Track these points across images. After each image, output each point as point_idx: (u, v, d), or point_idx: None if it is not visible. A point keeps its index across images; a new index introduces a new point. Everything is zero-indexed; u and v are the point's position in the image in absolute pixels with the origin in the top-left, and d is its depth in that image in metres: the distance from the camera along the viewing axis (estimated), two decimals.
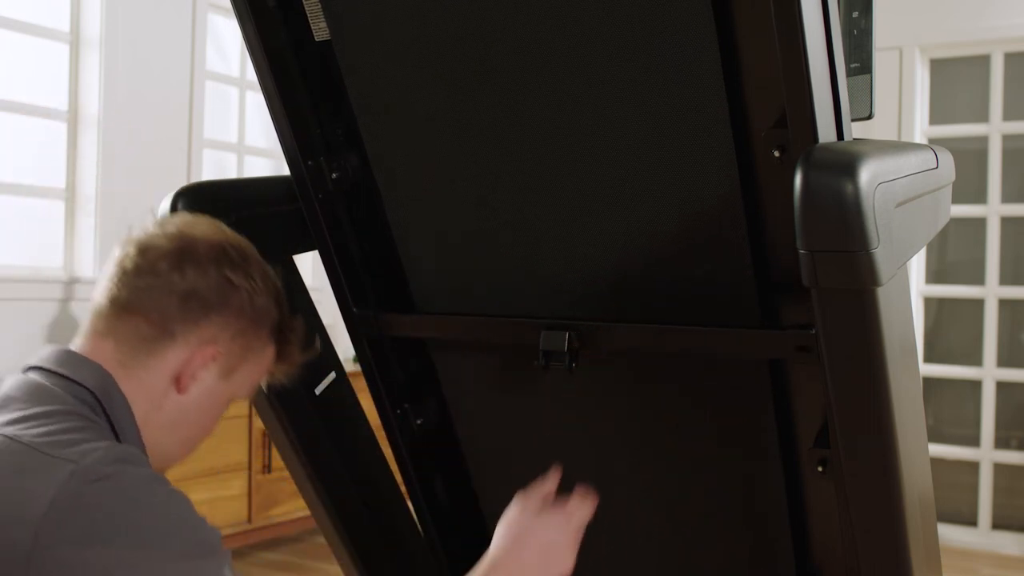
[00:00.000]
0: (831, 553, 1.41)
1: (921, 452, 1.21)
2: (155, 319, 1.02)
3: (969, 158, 4.31)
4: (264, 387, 1.27)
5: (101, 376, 1.00)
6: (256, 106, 4.25)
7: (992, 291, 4.29)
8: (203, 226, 1.09)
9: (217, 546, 0.92)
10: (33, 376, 1.00)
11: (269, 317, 1.11)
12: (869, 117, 1.21)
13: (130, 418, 1.01)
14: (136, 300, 1.03)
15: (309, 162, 1.36)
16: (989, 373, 4.28)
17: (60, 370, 1.00)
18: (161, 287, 1.03)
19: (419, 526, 1.61)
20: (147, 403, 1.03)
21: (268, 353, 1.14)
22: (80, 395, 0.98)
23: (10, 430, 0.92)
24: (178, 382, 1.05)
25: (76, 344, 1.05)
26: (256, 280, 1.08)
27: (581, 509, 1.22)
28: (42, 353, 1.03)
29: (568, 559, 1.18)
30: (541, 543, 1.17)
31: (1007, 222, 4.28)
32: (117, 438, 0.99)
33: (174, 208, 1.30)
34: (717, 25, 1.08)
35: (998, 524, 4.28)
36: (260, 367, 1.13)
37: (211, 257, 1.05)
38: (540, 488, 1.24)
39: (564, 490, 1.25)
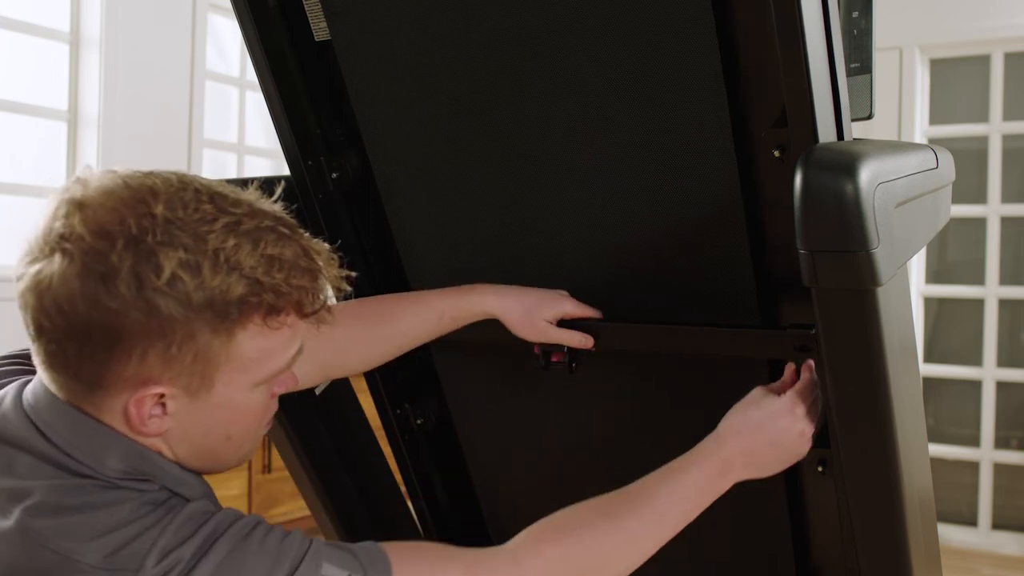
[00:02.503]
0: (831, 553, 1.41)
1: (921, 452, 1.21)
2: None
3: (969, 158, 4.31)
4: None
5: None
6: (256, 106, 4.24)
7: (992, 291, 4.29)
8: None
9: None
10: None
11: (198, 313, 0.83)
12: (869, 117, 1.20)
13: None
14: None
15: (309, 162, 1.36)
16: (989, 373, 4.28)
17: None
18: None
19: (419, 526, 1.61)
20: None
21: (250, 334, 0.86)
22: None
23: None
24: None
25: None
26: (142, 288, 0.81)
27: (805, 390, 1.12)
28: None
29: (801, 446, 1.10)
30: (767, 433, 1.09)
31: (1007, 222, 4.28)
32: None
33: None
34: (717, 25, 1.08)
35: (998, 524, 4.28)
36: (256, 351, 0.87)
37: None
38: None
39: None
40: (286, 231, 0.88)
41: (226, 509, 0.87)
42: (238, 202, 0.87)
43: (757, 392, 1.13)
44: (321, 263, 0.90)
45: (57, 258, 0.83)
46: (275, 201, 0.91)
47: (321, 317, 0.92)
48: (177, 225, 0.83)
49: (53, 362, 0.86)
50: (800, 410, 1.10)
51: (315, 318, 0.92)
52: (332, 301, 0.94)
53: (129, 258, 0.81)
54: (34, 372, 0.93)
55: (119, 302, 0.81)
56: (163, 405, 0.86)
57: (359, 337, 1.28)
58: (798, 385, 1.13)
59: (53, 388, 0.88)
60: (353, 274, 0.93)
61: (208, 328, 0.84)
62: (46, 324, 0.84)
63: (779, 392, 1.13)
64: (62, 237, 0.83)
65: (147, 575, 0.80)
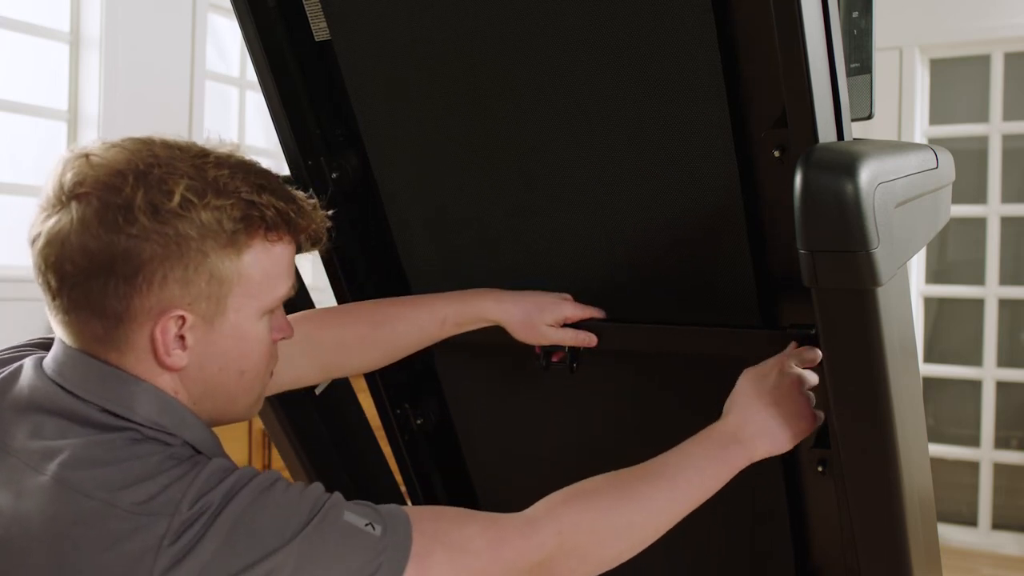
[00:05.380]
0: (831, 553, 1.41)
1: (921, 452, 1.21)
2: None
3: (969, 158, 4.31)
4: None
5: None
6: (256, 106, 4.24)
7: (992, 291, 4.29)
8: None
9: None
10: None
11: (210, 232, 0.91)
12: (869, 117, 1.20)
13: None
14: None
15: (309, 162, 1.36)
16: (989, 373, 4.28)
17: None
18: None
19: None
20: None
21: (255, 252, 0.94)
22: None
23: None
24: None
25: None
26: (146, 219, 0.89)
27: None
28: None
29: (799, 403, 1.12)
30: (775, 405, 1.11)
31: (1007, 222, 4.28)
32: None
33: None
34: (717, 25, 1.08)
35: (998, 524, 4.28)
36: (261, 273, 0.95)
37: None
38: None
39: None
40: (265, 170, 0.99)
41: (244, 467, 0.92)
42: (218, 149, 0.98)
43: (745, 370, 1.17)
44: (297, 198, 1.00)
45: (74, 205, 0.89)
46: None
47: (315, 235, 1.02)
48: (177, 159, 0.93)
49: (77, 307, 0.91)
50: (776, 368, 1.13)
51: (310, 234, 1.01)
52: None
53: (141, 187, 0.90)
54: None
55: (138, 228, 0.88)
56: (182, 338, 0.92)
57: (362, 338, 1.30)
58: (779, 354, 1.16)
59: (75, 341, 0.93)
60: (330, 212, 1.03)
61: (219, 247, 0.92)
62: (69, 268, 0.89)
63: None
64: (76, 184, 0.90)
65: (182, 516, 0.85)
